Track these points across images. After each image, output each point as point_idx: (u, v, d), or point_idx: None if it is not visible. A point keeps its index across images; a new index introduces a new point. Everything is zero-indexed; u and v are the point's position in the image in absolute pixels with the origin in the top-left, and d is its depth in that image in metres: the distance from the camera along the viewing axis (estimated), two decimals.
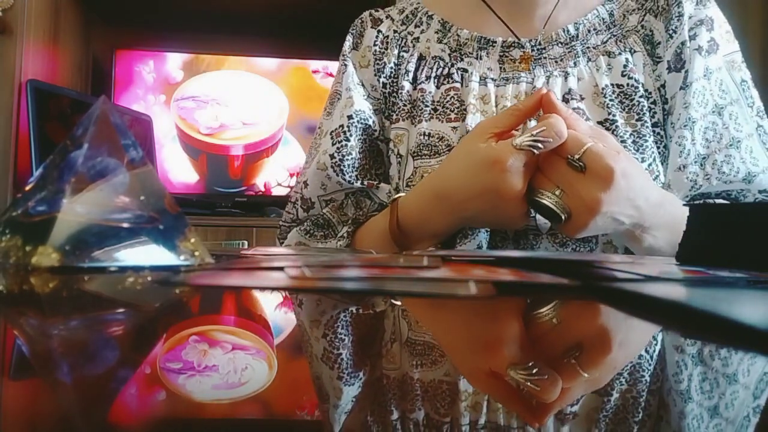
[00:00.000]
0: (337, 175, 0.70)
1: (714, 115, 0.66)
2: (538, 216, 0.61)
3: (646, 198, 0.54)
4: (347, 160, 0.70)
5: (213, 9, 2.05)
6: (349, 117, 0.72)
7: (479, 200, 0.56)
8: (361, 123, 0.72)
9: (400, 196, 0.63)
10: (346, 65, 0.77)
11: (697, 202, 0.66)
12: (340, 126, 0.72)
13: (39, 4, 1.69)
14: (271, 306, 0.27)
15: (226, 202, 2.06)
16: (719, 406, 0.14)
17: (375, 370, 0.17)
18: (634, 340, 0.22)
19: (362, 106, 0.73)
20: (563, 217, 0.53)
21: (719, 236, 0.40)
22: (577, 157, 0.51)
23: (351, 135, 0.71)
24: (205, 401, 0.14)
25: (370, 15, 0.79)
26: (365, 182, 0.70)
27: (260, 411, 0.14)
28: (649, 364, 0.18)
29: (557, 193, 0.53)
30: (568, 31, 0.70)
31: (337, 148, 0.71)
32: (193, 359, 0.17)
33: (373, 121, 0.73)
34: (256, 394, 0.14)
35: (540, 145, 0.51)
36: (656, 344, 0.22)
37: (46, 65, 1.76)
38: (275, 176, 2.13)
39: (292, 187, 2.11)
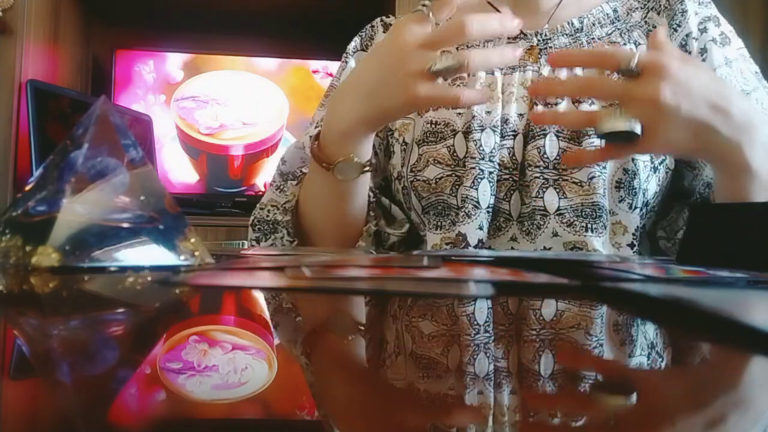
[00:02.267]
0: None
1: None
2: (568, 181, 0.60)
3: (723, 95, 0.50)
4: None
5: (213, 9, 2.05)
6: None
7: (374, 65, 0.55)
8: None
9: None
10: (347, 62, 0.78)
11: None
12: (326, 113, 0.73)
13: (39, 4, 1.69)
14: (271, 306, 0.27)
15: (226, 202, 2.05)
16: (719, 406, 0.14)
17: (375, 370, 0.17)
18: (633, 339, 0.22)
19: None
20: (636, 131, 0.48)
21: (719, 236, 0.40)
22: (630, 66, 0.49)
23: None
24: (205, 401, 0.14)
25: (381, 20, 0.81)
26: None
27: (260, 411, 0.14)
28: (649, 364, 0.18)
29: (617, 109, 0.49)
30: (572, 23, 0.71)
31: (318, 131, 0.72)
32: (193, 359, 0.17)
33: None
34: (256, 394, 0.14)
35: (429, 5, 0.52)
36: (656, 344, 0.22)
37: (46, 65, 1.76)
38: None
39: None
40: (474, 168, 0.64)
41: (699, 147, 0.51)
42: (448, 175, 0.66)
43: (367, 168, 0.60)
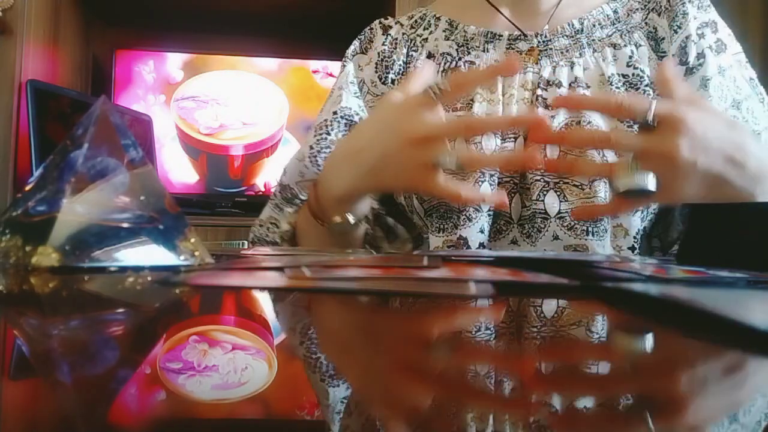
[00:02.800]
0: (312, 166, 0.71)
1: (734, 110, 0.67)
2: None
3: (739, 146, 0.49)
4: (323, 153, 0.71)
5: (213, 9, 2.05)
6: (334, 113, 0.73)
7: (377, 144, 0.54)
8: (345, 119, 0.73)
9: None
10: (345, 66, 0.78)
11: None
12: (324, 120, 0.73)
13: (39, 4, 1.69)
14: (271, 306, 0.27)
15: (226, 202, 2.05)
16: (719, 406, 0.14)
17: (375, 370, 0.17)
18: (633, 339, 0.22)
19: (350, 103, 0.74)
20: (651, 188, 0.48)
21: (719, 236, 0.40)
22: (647, 119, 0.48)
23: (332, 130, 0.73)
24: (205, 401, 0.14)
25: (380, 23, 0.80)
26: None
27: (260, 411, 0.14)
28: (649, 364, 0.18)
29: (632, 164, 0.48)
30: (572, 24, 0.71)
31: (317, 140, 0.72)
32: (193, 359, 0.17)
33: (360, 118, 0.74)
34: (256, 394, 0.14)
35: (438, 90, 0.51)
36: (656, 344, 0.22)
37: (46, 65, 1.76)
38: (275, 176, 2.13)
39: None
40: (475, 171, 0.63)
41: (712, 197, 0.51)
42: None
43: (362, 223, 0.61)
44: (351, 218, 0.58)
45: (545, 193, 0.63)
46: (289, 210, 0.71)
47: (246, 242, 1.89)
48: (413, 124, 0.51)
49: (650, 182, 0.48)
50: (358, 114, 0.74)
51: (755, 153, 0.50)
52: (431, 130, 0.51)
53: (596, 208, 0.59)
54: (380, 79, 0.76)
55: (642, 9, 0.72)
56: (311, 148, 0.72)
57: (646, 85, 0.67)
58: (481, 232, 0.63)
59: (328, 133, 0.72)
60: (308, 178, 0.72)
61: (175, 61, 2.10)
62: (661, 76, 0.53)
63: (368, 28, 0.81)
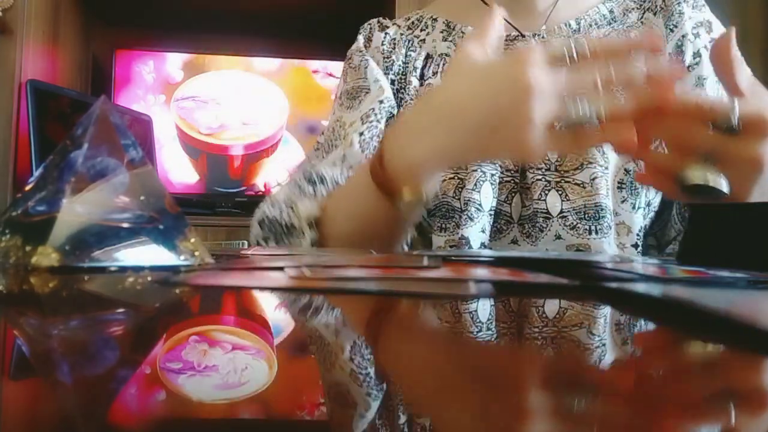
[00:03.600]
0: (363, 152, 0.66)
1: None
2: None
3: None
4: (374, 141, 0.68)
5: (213, 9, 2.05)
6: (381, 102, 0.70)
7: (488, 98, 0.45)
8: (389, 111, 0.71)
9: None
10: (367, 59, 0.75)
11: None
12: (371, 109, 0.70)
13: (39, 4, 1.69)
14: (271, 306, 0.27)
15: (226, 202, 2.06)
16: (719, 406, 0.14)
17: (375, 371, 0.17)
18: (633, 339, 0.22)
19: (390, 94, 0.72)
20: (724, 190, 0.44)
21: (719, 236, 0.40)
22: (731, 124, 0.43)
23: (381, 118, 0.70)
24: (205, 401, 0.14)
25: (378, 21, 0.80)
26: None
27: (260, 411, 0.14)
28: (649, 364, 0.18)
29: (708, 163, 0.44)
30: (569, 25, 0.71)
31: (368, 128, 0.68)
32: (193, 359, 0.17)
33: (397, 113, 0.73)
34: (256, 394, 0.14)
35: (574, 53, 0.44)
36: (656, 344, 0.22)
37: (46, 65, 1.76)
38: (275, 176, 2.13)
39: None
40: (476, 170, 0.63)
41: None
42: (450, 178, 0.65)
43: (430, 202, 0.53)
44: (424, 195, 0.50)
45: (547, 192, 0.63)
46: (311, 191, 0.63)
47: (246, 242, 1.89)
48: (536, 76, 0.43)
49: (724, 185, 0.44)
50: (395, 108, 0.72)
51: None
52: (563, 82, 0.44)
53: (662, 186, 0.50)
54: (387, 80, 0.75)
55: (638, 8, 0.72)
56: (361, 134, 0.67)
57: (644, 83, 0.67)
58: (483, 231, 0.63)
59: (378, 122, 0.69)
60: (347, 167, 0.66)
61: (175, 61, 2.10)
62: (721, 51, 0.48)
63: (367, 23, 0.81)
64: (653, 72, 0.45)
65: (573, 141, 0.45)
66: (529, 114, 0.43)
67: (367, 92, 0.73)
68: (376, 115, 0.70)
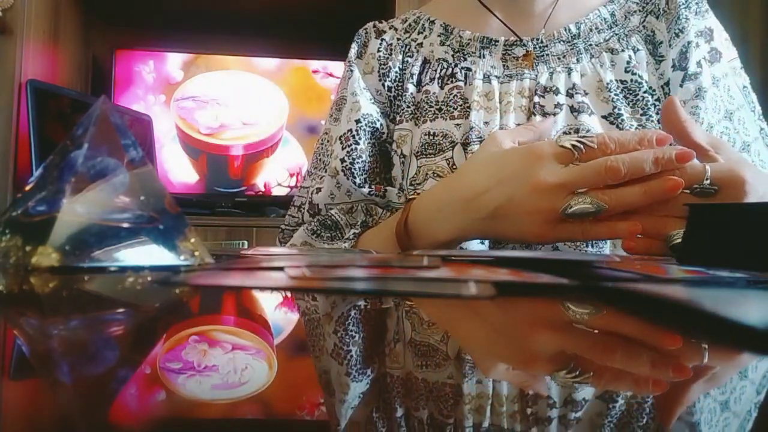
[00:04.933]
0: (348, 178, 0.70)
1: (726, 121, 0.67)
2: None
3: None
4: (357, 163, 0.70)
5: (213, 9, 2.05)
6: (357, 121, 0.72)
7: (500, 189, 0.51)
8: (369, 126, 0.72)
9: (415, 197, 0.61)
10: (352, 70, 0.77)
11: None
12: (348, 130, 0.72)
13: (39, 4, 1.69)
14: (271, 306, 0.27)
15: (226, 202, 2.06)
16: (719, 406, 0.14)
17: (375, 371, 0.17)
18: (632, 339, 0.22)
19: (369, 109, 0.73)
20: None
21: (719, 236, 0.40)
22: (706, 183, 0.47)
23: (360, 138, 0.71)
24: (205, 401, 0.14)
25: (374, 26, 0.80)
26: (373, 187, 0.70)
27: (260, 411, 0.14)
28: (648, 364, 0.18)
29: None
30: (569, 29, 0.71)
31: (347, 152, 0.71)
32: (193, 359, 0.17)
33: (381, 124, 0.73)
34: (256, 394, 0.14)
35: (582, 146, 0.48)
36: (655, 344, 0.22)
37: (46, 65, 1.76)
38: (275, 176, 2.13)
39: (292, 187, 2.12)
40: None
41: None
42: None
43: None
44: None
45: None
46: (329, 236, 0.70)
47: (246, 242, 1.90)
48: (545, 173, 0.48)
49: None
50: (379, 121, 0.73)
51: None
52: (567, 178, 0.48)
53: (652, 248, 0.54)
54: (383, 87, 0.75)
55: (640, 11, 0.71)
56: (342, 161, 0.70)
57: (645, 92, 0.66)
58: (482, 243, 0.63)
59: (357, 143, 0.71)
60: (339, 200, 0.71)
61: (175, 61, 2.10)
62: (670, 117, 0.51)
63: (363, 29, 0.81)
64: (662, 163, 0.47)
65: (580, 232, 0.49)
66: (537, 207, 0.49)
67: (345, 103, 0.75)
68: (354, 137, 0.72)
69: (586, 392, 0.15)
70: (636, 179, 0.48)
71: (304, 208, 0.75)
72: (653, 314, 0.25)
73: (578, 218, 0.48)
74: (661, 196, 0.47)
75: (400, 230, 0.58)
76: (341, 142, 0.72)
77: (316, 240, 0.71)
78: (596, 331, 0.23)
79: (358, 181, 0.70)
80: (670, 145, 0.49)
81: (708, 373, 0.17)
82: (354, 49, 0.79)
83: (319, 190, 0.73)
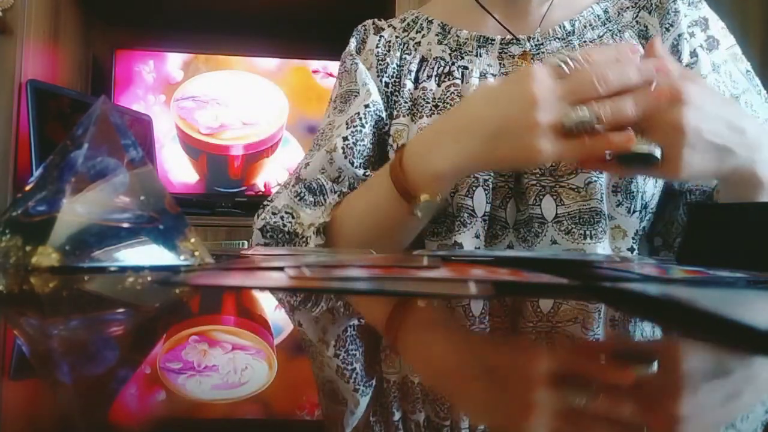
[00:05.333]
0: (346, 157, 0.68)
1: None
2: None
3: (738, 115, 0.51)
4: (359, 145, 0.69)
5: (213, 9, 2.05)
6: (366, 106, 0.71)
7: (498, 109, 0.51)
8: (376, 114, 0.72)
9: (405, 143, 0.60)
10: (356, 63, 0.76)
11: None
12: (356, 113, 0.71)
13: (39, 4, 1.69)
14: (271, 306, 0.27)
15: (226, 202, 2.06)
16: (719, 406, 0.14)
17: (375, 371, 0.17)
18: (633, 340, 0.22)
19: (377, 98, 0.73)
20: (656, 155, 0.48)
21: (719, 236, 0.40)
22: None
23: (366, 122, 0.71)
24: (205, 401, 0.14)
25: (373, 23, 0.80)
26: (368, 171, 0.70)
27: (260, 411, 0.14)
28: (648, 364, 0.18)
29: (638, 135, 0.49)
30: (564, 27, 0.71)
31: (351, 132, 0.70)
32: (193, 359, 0.17)
33: (385, 115, 0.73)
34: (256, 394, 0.14)
35: (570, 62, 0.49)
36: (655, 344, 0.22)
37: (46, 65, 1.76)
38: (275, 176, 2.13)
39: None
40: (469, 176, 0.63)
41: (716, 169, 0.51)
42: None
43: (445, 202, 0.58)
44: (440, 199, 0.55)
45: (542, 197, 0.63)
46: (311, 200, 0.68)
47: (246, 242, 1.90)
48: (539, 86, 0.48)
49: (656, 150, 0.48)
50: (384, 111, 0.73)
51: (750, 121, 0.52)
52: (561, 88, 0.48)
53: (600, 166, 0.56)
54: (380, 83, 0.75)
55: (633, 7, 0.71)
56: (345, 139, 0.69)
57: None
58: (477, 237, 0.63)
59: (363, 126, 0.70)
60: (333, 171, 0.69)
61: (175, 61, 2.10)
62: (650, 54, 0.52)
63: (361, 25, 0.81)
64: (644, 73, 0.49)
65: (579, 146, 0.49)
66: (535, 120, 0.48)
67: (356, 95, 0.74)
68: (361, 119, 0.71)
69: (586, 391, 0.15)
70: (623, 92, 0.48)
71: (290, 183, 0.73)
72: (653, 314, 0.25)
73: (577, 130, 0.48)
74: (650, 103, 0.48)
75: (396, 169, 0.56)
76: (347, 124, 0.71)
77: (299, 203, 0.69)
78: (596, 331, 0.23)
79: (356, 162, 0.69)
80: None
81: (708, 373, 0.17)
82: (353, 44, 0.79)
83: (307, 165, 0.72)
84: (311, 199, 0.69)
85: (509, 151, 0.50)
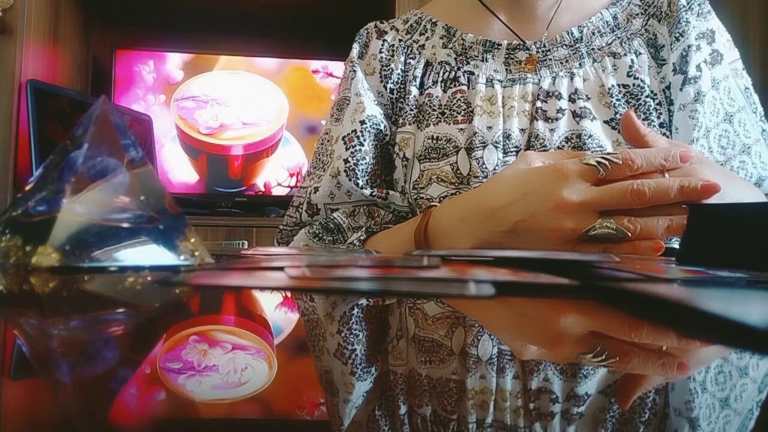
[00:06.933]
0: (350, 179, 0.69)
1: (725, 123, 0.67)
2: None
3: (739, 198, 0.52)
4: (361, 164, 0.70)
5: (213, 9, 2.05)
6: (362, 122, 0.72)
7: (523, 204, 0.49)
8: (374, 128, 0.72)
9: (435, 205, 0.60)
10: (354, 71, 0.77)
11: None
12: (353, 131, 0.71)
13: (39, 4, 1.69)
14: (271, 306, 0.27)
15: (226, 202, 2.06)
16: (719, 406, 0.14)
17: (376, 370, 0.17)
18: (632, 340, 0.22)
19: (373, 111, 0.73)
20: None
21: (719, 236, 0.40)
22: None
23: (364, 140, 0.71)
24: (205, 401, 0.14)
25: (375, 26, 0.80)
26: (375, 189, 0.70)
27: (260, 411, 0.14)
28: (648, 364, 0.18)
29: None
30: (572, 33, 0.71)
31: (351, 153, 0.70)
32: (193, 359, 0.17)
33: (385, 126, 0.73)
34: (256, 394, 0.14)
35: (607, 163, 0.47)
36: (655, 344, 0.22)
37: (46, 65, 1.76)
38: (275, 176, 2.13)
39: (292, 187, 2.12)
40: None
41: None
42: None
43: None
44: None
45: None
46: (330, 239, 0.70)
47: (246, 242, 1.89)
48: (568, 191, 0.47)
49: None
50: (383, 123, 0.73)
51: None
52: (591, 198, 0.47)
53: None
54: (385, 89, 0.75)
55: (642, 14, 0.71)
56: (346, 161, 0.70)
57: (647, 96, 0.67)
58: None
59: (362, 144, 0.71)
60: (338, 200, 0.71)
61: (175, 61, 2.10)
62: (630, 131, 0.52)
63: (364, 29, 0.80)
64: (687, 192, 0.47)
65: (601, 251, 0.48)
66: (560, 226, 0.48)
67: (348, 104, 0.74)
68: (359, 137, 0.71)
69: (586, 389, 0.15)
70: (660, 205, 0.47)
71: (302, 208, 0.75)
72: (653, 314, 0.25)
73: (599, 241, 0.48)
74: (683, 223, 0.47)
75: (419, 235, 0.57)
76: (345, 143, 0.71)
77: (317, 243, 0.71)
78: (595, 331, 0.23)
79: (360, 182, 0.70)
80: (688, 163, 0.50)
81: (707, 373, 0.17)
82: (355, 50, 0.79)
83: (317, 189, 0.73)
84: (330, 238, 0.71)
85: (528, 245, 0.51)
